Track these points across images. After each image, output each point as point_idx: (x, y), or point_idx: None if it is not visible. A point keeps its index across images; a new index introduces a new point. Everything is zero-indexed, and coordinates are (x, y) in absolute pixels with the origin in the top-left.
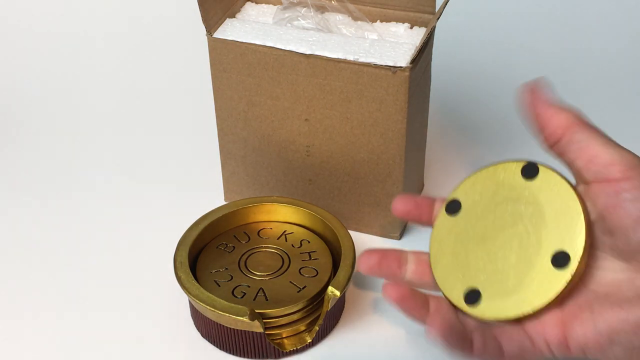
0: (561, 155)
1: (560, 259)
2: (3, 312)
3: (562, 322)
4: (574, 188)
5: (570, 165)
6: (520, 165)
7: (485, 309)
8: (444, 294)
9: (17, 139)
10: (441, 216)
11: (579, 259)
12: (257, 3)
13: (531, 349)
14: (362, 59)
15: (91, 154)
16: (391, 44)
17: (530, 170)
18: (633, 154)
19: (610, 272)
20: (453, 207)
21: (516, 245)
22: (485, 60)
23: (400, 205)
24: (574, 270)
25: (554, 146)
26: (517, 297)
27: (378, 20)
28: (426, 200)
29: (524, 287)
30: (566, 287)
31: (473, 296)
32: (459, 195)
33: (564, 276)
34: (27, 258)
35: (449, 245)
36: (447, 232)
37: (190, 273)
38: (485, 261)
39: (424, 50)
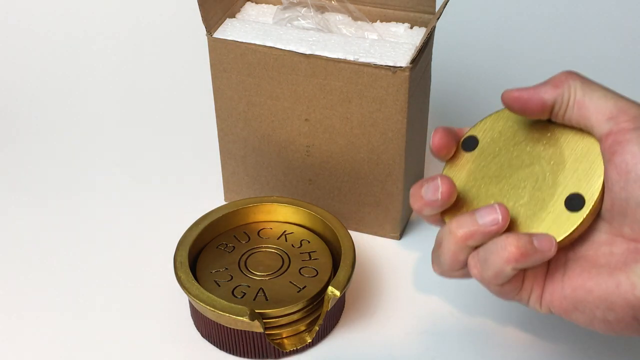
0: (570, 120)
1: (574, 202)
2: (3, 312)
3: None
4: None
5: (581, 126)
6: None
7: None
8: None
9: (17, 139)
10: (456, 153)
11: (593, 203)
12: (257, 3)
13: (517, 294)
14: (362, 59)
15: (91, 153)
16: (391, 44)
17: None
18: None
19: (594, 230)
20: (469, 143)
21: (530, 185)
22: (485, 60)
23: (438, 139)
24: (586, 214)
25: (563, 115)
26: None
27: (378, 20)
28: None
29: (531, 226)
30: (575, 229)
31: None
32: (477, 132)
33: (576, 219)
34: (27, 258)
35: (460, 181)
36: (460, 169)
37: (190, 273)
38: (497, 198)
39: (424, 50)
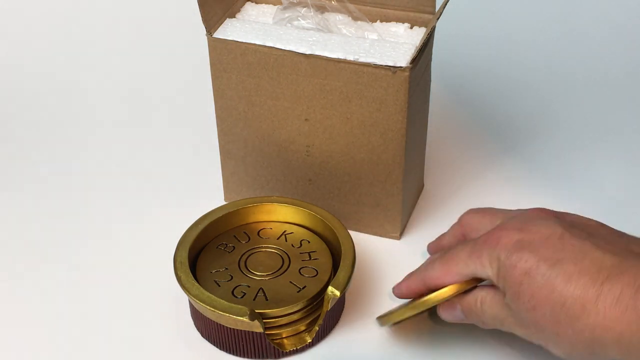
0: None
1: None
2: (3, 312)
3: None
4: None
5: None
6: None
7: None
8: None
9: (16, 139)
10: None
11: None
12: (257, 3)
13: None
14: (362, 59)
15: (91, 153)
16: (391, 44)
17: None
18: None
19: None
20: None
21: None
22: (485, 60)
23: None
24: None
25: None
26: None
27: (378, 20)
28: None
29: None
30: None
31: None
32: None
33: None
34: (27, 258)
35: None
36: None
37: (190, 273)
38: None
39: (424, 50)
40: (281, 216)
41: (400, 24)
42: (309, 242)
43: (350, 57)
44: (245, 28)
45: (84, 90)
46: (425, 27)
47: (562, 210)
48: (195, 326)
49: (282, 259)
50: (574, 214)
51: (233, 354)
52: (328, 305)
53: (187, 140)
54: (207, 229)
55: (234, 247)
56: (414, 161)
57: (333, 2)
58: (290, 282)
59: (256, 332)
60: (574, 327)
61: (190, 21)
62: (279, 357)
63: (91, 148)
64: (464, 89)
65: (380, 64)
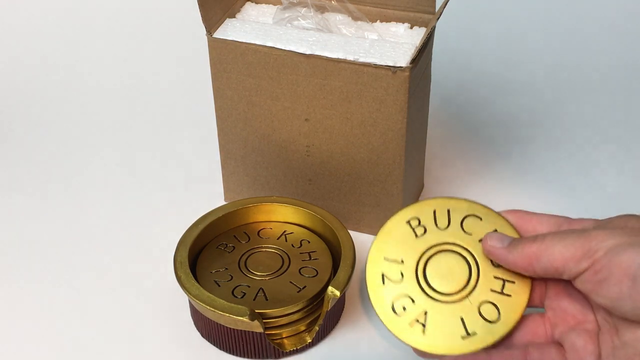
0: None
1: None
2: (3, 312)
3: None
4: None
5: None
6: None
7: None
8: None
9: (17, 139)
10: None
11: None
12: (257, 3)
13: None
14: (362, 59)
15: (91, 153)
16: (391, 44)
17: None
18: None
19: None
20: None
21: None
22: (485, 60)
23: None
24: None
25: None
26: None
27: (378, 20)
28: None
29: None
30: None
31: None
32: None
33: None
34: (27, 258)
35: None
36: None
37: (190, 273)
38: None
39: (424, 50)
40: (281, 216)
41: (400, 24)
42: (309, 242)
43: (350, 57)
44: (245, 28)
45: (84, 90)
46: (425, 27)
47: (562, 210)
48: (195, 326)
49: (282, 259)
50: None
51: (233, 354)
52: (328, 305)
53: (187, 140)
54: (207, 229)
55: (234, 247)
56: (414, 161)
57: (333, 2)
58: (290, 282)
59: (256, 332)
60: None
61: (190, 21)
62: (279, 357)
63: (91, 148)
64: (464, 89)
65: (380, 64)
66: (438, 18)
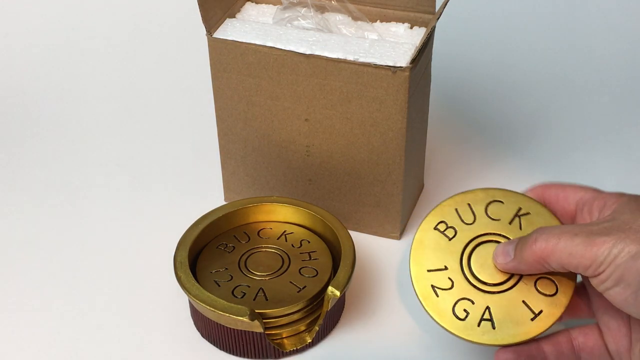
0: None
1: None
2: (3, 312)
3: None
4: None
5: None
6: None
7: None
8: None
9: (17, 140)
10: None
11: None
12: (257, 3)
13: None
14: (362, 59)
15: (91, 153)
16: (391, 44)
17: None
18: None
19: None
20: None
21: None
22: (485, 60)
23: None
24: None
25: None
26: None
27: (378, 20)
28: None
29: None
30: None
31: None
32: None
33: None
34: (27, 258)
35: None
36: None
37: (190, 273)
38: None
39: (424, 50)
40: (281, 216)
41: (400, 24)
42: (309, 242)
43: (350, 57)
44: (245, 28)
45: (84, 90)
46: (425, 27)
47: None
48: (195, 326)
49: (282, 259)
50: None
51: (233, 354)
52: (328, 305)
53: (187, 140)
54: (207, 229)
55: (234, 247)
56: (414, 161)
57: (333, 2)
58: (290, 282)
59: (256, 332)
60: None
61: (190, 21)
62: (279, 357)
63: (91, 148)
64: (463, 89)
65: (380, 64)
66: (438, 18)
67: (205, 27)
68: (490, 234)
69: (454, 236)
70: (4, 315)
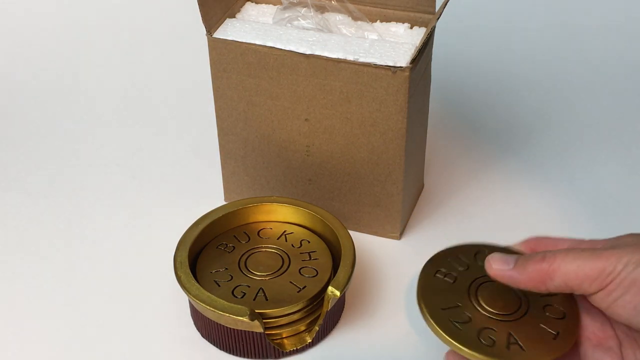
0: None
1: None
2: (3, 313)
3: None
4: None
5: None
6: None
7: None
8: None
9: (16, 140)
10: None
11: None
12: (257, 3)
13: None
14: (362, 59)
15: (91, 153)
16: (391, 44)
17: None
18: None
19: None
20: None
21: None
22: (485, 60)
23: None
24: None
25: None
26: None
27: (378, 20)
28: None
29: None
30: None
31: None
32: None
33: None
34: (27, 258)
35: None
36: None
37: (190, 273)
38: None
39: (424, 50)
40: (281, 216)
41: (400, 24)
42: (309, 242)
43: (350, 57)
44: (245, 28)
45: (84, 90)
46: (425, 27)
47: (562, 209)
48: (195, 326)
49: (282, 259)
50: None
51: (233, 354)
52: (328, 305)
53: (187, 140)
54: (207, 229)
55: (234, 247)
56: (414, 161)
57: (333, 2)
58: (290, 282)
59: (256, 332)
60: None
61: (190, 21)
62: (279, 357)
63: (91, 147)
64: (464, 89)
65: (380, 64)
66: (438, 18)
67: (205, 27)
68: (487, 276)
69: (455, 280)
70: (4, 315)
